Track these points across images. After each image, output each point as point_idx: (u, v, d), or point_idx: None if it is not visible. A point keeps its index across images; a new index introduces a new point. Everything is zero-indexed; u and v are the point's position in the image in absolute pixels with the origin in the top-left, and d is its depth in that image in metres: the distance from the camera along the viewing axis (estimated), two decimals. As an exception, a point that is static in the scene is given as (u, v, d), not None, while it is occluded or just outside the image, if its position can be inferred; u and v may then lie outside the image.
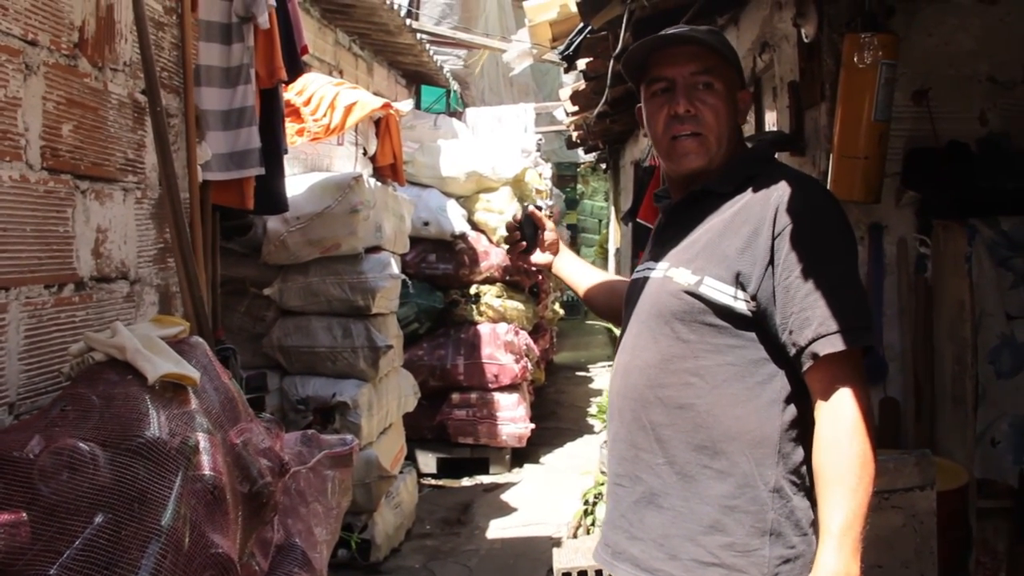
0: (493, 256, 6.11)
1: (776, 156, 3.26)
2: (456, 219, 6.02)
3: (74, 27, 1.95)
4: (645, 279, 1.69)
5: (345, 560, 4.09)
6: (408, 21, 6.87)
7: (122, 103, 2.15)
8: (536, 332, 7.33)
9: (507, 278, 6.30)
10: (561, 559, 3.63)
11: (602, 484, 4.05)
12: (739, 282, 1.54)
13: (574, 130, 9.32)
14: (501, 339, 6.06)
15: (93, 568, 1.27)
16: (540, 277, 6.97)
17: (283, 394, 4.12)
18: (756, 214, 1.56)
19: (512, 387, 6.11)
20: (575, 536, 4.32)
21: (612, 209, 12.78)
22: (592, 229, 18.77)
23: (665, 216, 1.80)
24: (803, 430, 1.54)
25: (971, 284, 2.79)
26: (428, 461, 6.02)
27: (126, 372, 1.56)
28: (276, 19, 2.78)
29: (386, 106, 4.26)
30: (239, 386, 1.92)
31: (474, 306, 6.17)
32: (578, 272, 2.09)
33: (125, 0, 2.16)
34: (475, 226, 6.21)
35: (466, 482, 5.91)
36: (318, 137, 3.99)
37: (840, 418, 1.47)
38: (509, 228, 2.04)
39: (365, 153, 4.51)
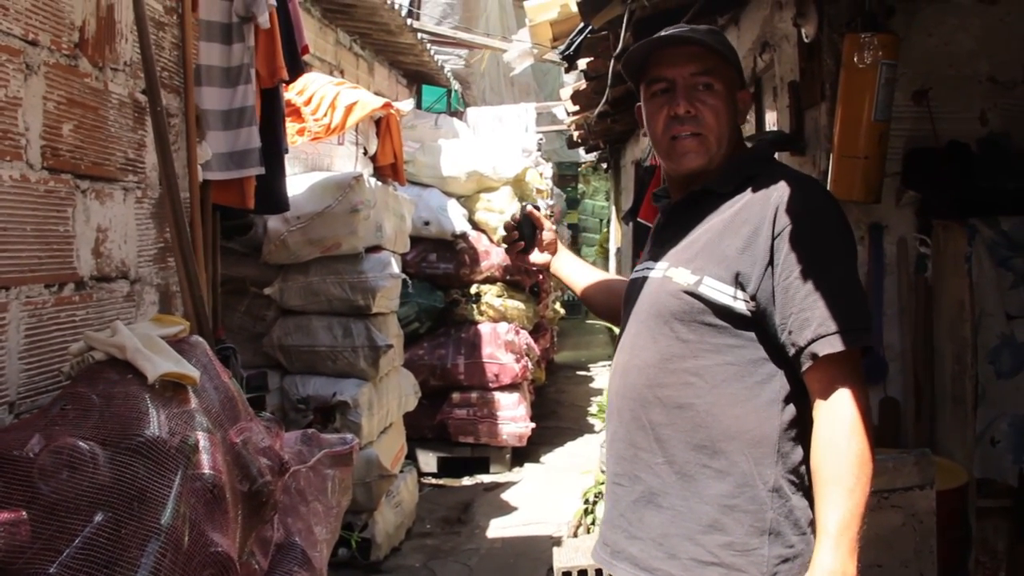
0: (494, 256, 6.11)
1: (776, 156, 3.27)
2: (457, 219, 6.02)
3: (74, 27, 1.95)
4: (644, 279, 1.69)
5: (345, 559, 4.09)
6: (409, 21, 6.87)
7: (122, 103, 2.15)
8: (537, 331, 7.33)
9: (508, 278, 6.30)
10: (561, 558, 3.63)
11: (602, 483, 4.04)
12: (738, 282, 1.54)
13: (575, 130, 9.32)
14: (502, 338, 6.06)
15: (93, 567, 1.27)
16: (541, 277, 6.97)
17: (284, 393, 4.12)
18: (756, 214, 1.56)
19: (513, 386, 6.11)
20: (575, 535, 4.32)
21: (613, 209, 12.78)
22: (593, 229, 18.77)
23: (664, 216, 1.80)
24: (802, 430, 1.54)
25: (971, 284, 2.79)
26: (429, 460, 6.02)
27: (126, 371, 1.57)
28: (277, 19, 2.79)
29: (387, 106, 4.26)
30: (239, 385, 1.92)
31: (475, 305, 6.17)
32: (576, 272, 2.09)
33: (125, 0, 2.16)
34: (476, 226, 6.21)
35: (466, 481, 5.92)
36: (319, 137, 3.99)
37: (838, 418, 1.47)
38: (507, 228, 2.04)
39: (366, 153, 4.51)
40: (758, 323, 1.55)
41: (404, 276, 4.52)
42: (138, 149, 2.23)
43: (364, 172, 4.27)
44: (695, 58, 1.64)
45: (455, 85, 9.03)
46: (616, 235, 11.73)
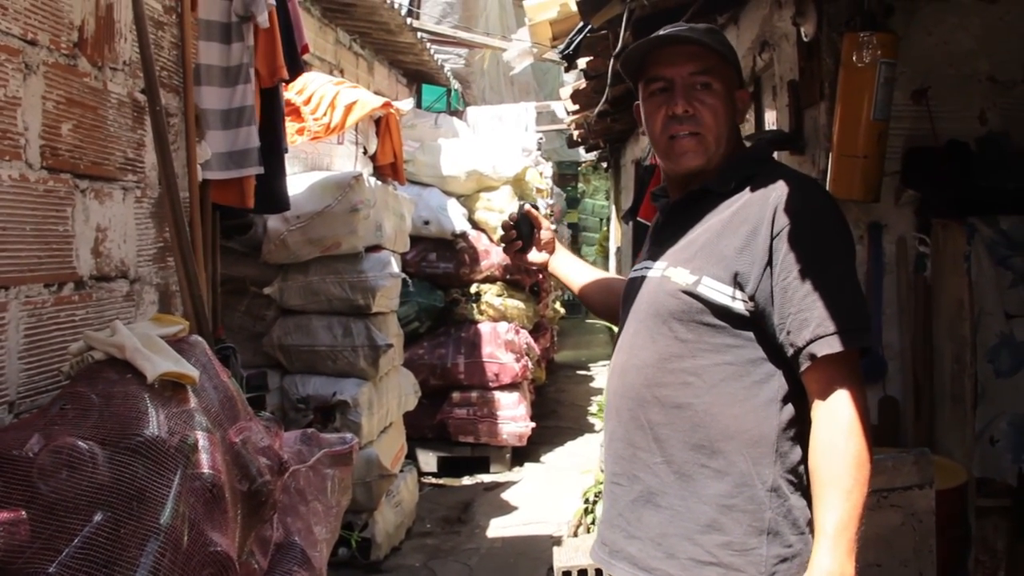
0: (494, 255, 6.11)
1: (776, 155, 3.27)
2: (457, 218, 6.02)
3: (73, 27, 1.95)
4: (642, 278, 1.69)
5: (345, 559, 4.10)
6: (409, 20, 6.87)
7: (121, 102, 2.15)
8: (537, 331, 7.33)
9: (508, 277, 6.30)
10: (562, 558, 3.64)
11: (602, 483, 4.05)
12: (737, 282, 1.54)
13: (575, 129, 9.32)
14: (502, 338, 6.06)
15: (92, 566, 1.27)
16: (540, 276, 6.97)
17: (283, 393, 4.12)
18: (754, 214, 1.56)
19: (513, 386, 6.11)
20: (575, 535, 4.32)
21: (613, 208, 12.78)
22: (593, 228, 18.76)
23: (663, 215, 1.80)
24: (801, 429, 1.54)
25: (970, 283, 2.79)
26: (429, 460, 6.03)
27: (125, 371, 1.57)
28: (276, 18, 2.79)
29: (386, 105, 4.26)
30: (239, 385, 1.92)
31: (475, 305, 6.17)
32: (574, 271, 2.08)
33: (124, 0, 2.16)
34: (476, 225, 6.21)
35: (467, 481, 5.92)
36: (318, 136, 3.99)
37: (837, 419, 1.47)
38: (505, 227, 2.04)
39: (365, 152, 4.51)
40: (756, 323, 1.55)
41: (404, 275, 4.52)
42: (137, 148, 2.23)
43: (364, 171, 4.27)
44: (694, 57, 1.64)
45: (455, 84, 9.03)
46: (616, 234, 11.73)
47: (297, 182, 3.92)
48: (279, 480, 1.78)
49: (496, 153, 6.27)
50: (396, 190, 4.74)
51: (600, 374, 9.87)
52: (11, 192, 1.73)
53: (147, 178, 2.28)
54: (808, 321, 1.49)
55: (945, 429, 2.94)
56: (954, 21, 3.03)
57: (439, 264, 6.10)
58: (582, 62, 5.36)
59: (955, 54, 3.03)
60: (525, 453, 6.32)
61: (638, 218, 4.83)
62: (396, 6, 6.15)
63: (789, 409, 1.54)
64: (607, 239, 14.09)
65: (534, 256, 2.05)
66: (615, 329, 1.83)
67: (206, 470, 1.48)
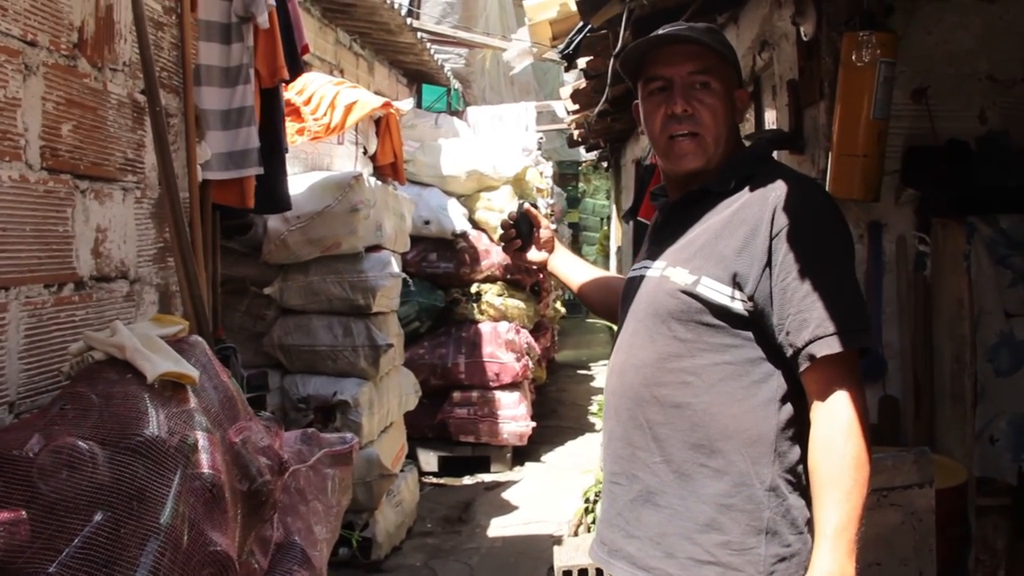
0: (494, 255, 6.12)
1: (775, 154, 3.27)
2: (457, 218, 6.02)
3: (73, 27, 1.96)
4: (641, 278, 1.69)
5: (346, 558, 4.10)
6: (409, 20, 6.87)
7: (121, 103, 2.15)
8: (537, 330, 7.34)
9: (508, 276, 6.31)
10: (562, 557, 3.64)
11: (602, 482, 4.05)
12: (736, 282, 1.54)
13: (575, 128, 9.31)
14: (502, 338, 6.06)
15: (92, 566, 1.27)
16: (541, 275, 6.97)
17: (284, 393, 4.12)
18: (754, 214, 1.56)
19: (513, 385, 6.11)
20: (576, 534, 4.33)
21: (613, 207, 12.78)
22: (594, 227, 18.76)
23: (662, 215, 1.80)
24: (799, 429, 1.54)
25: (970, 282, 2.79)
26: (429, 459, 6.03)
27: (125, 371, 1.57)
28: (276, 18, 2.79)
29: (386, 105, 4.26)
30: (239, 385, 1.92)
31: (475, 305, 6.18)
32: (573, 269, 2.08)
33: (124, 0, 2.17)
34: (476, 225, 6.21)
35: (467, 480, 5.92)
36: (318, 136, 3.99)
37: (836, 420, 1.47)
38: (504, 225, 2.03)
39: (365, 152, 4.51)
40: (756, 323, 1.55)
41: (404, 275, 4.53)
42: (137, 149, 2.24)
43: (364, 171, 4.28)
44: (693, 57, 1.64)
45: (455, 84, 9.03)
46: (617, 234, 11.73)
47: (297, 182, 3.92)
48: (279, 480, 1.78)
49: (496, 153, 6.28)
50: (396, 190, 4.74)
51: (601, 373, 9.87)
52: (11, 193, 1.73)
53: (147, 178, 2.29)
54: (807, 322, 1.48)
55: (945, 428, 2.94)
56: (954, 20, 3.03)
57: (439, 264, 6.11)
58: (582, 62, 5.36)
59: (955, 53, 3.03)
60: (526, 453, 6.32)
61: (638, 217, 4.83)
62: (396, 6, 6.15)
63: (788, 409, 1.54)
64: (608, 239, 14.09)
65: (533, 255, 2.05)
66: (616, 328, 1.83)
67: (206, 470, 1.49)
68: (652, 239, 1.77)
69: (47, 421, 1.45)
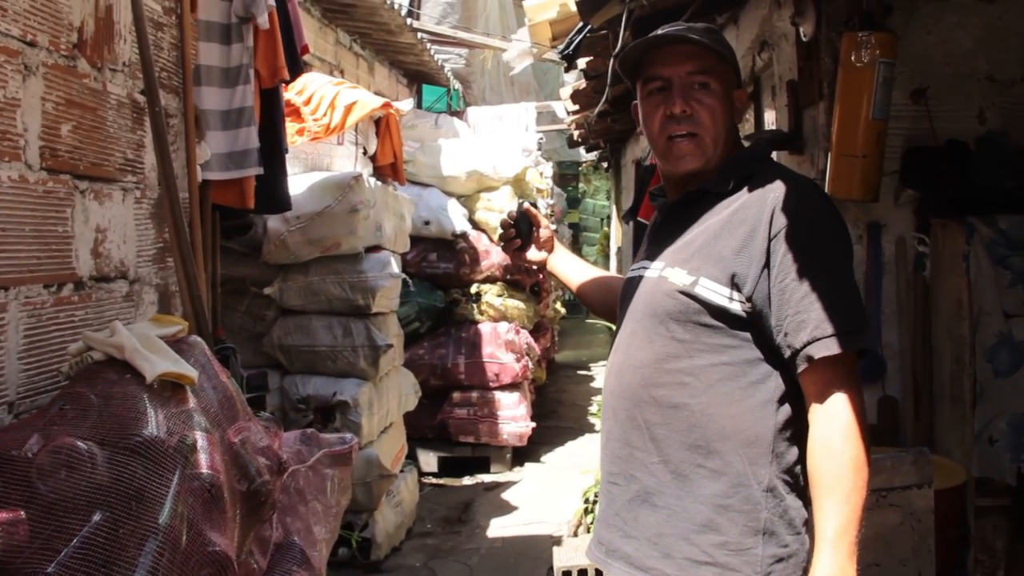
0: (494, 255, 6.12)
1: (775, 155, 3.27)
2: (457, 218, 6.02)
3: (73, 28, 1.96)
4: (640, 278, 1.69)
5: (346, 559, 4.10)
6: (409, 20, 6.87)
7: (121, 103, 2.15)
8: (537, 331, 7.34)
9: (508, 277, 6.31)
10: (562, 557, 3.64)
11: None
12: (734, 283, 1.54)
13: (575, 129, 9.32)
14: (502, 338, 6.06)
15: (91, 566, 1.28)
16: (540, 275, 6.97)
17: (284, 393, 4.13)
18: (752, 215, 1.56)
19: (513, 386, 6.11)
20: (576, 535, 4.33)
21: (614, 208, 12.78)
22: (594, 228, 18.76)
23: (661, 215, 1.80)
24: (797, 430, 1.54)
25: (969, 283, 2.80)
26: (429, 460, 6.03)
27: (125, 371, 1.57)
28: (277, 18, 2.79)
29: (386, 105, 4.26)
30: (239, 385, 1.92)
31: (475, 305, 6.18)
32: (573, 269, 2.08)
33: (124, 1, 2.17)
34: (476, 225, 6.21)
35: (467, 481, 5.92)
36: (318, 136, 3.99)
37: (834, 422, 1.47)
38: (504, 225, 2.03)
39: (365, 152, 4.51)
40: (754, 324, 1.55)
41: (404, 276, 4.53)
42: (137, 149, 2.24)
43: (364, 172, 4.28)
44: (691, 57, 1.64)
45: (455, 84, 9.03)
46: (617, 234, 11.73)
47: (297, 182, 3.92)
48: (278, 480, 1.78)
49: (496, 153, 6.28)
50: (396, 190, 4.74)
51: (600, 374, 9.87)
52: (10, 193, 1.73)
53: (147, 179, 2.29)
54: (805, 323, 1.48)
55: (944, 429, 2.95)
56: (953, 20, 3.03)
57: (439, 264, 6.11)
58: (582, 62, 5.37)
59: (954, 53, 3.03)
60: (525, 453, 6.32)
61: (638, 218, 4.83)
62: (396, 6, 6.15)
63: (786, 409, 1.54)
64: (608, 239, 14.09)
65: (533, 254, 2.05)
66: (615, 329, 1.83)
67: (205, 470, 1.49)
68: (651, 239, 1.77)
69: (46, 421, 1.46)
